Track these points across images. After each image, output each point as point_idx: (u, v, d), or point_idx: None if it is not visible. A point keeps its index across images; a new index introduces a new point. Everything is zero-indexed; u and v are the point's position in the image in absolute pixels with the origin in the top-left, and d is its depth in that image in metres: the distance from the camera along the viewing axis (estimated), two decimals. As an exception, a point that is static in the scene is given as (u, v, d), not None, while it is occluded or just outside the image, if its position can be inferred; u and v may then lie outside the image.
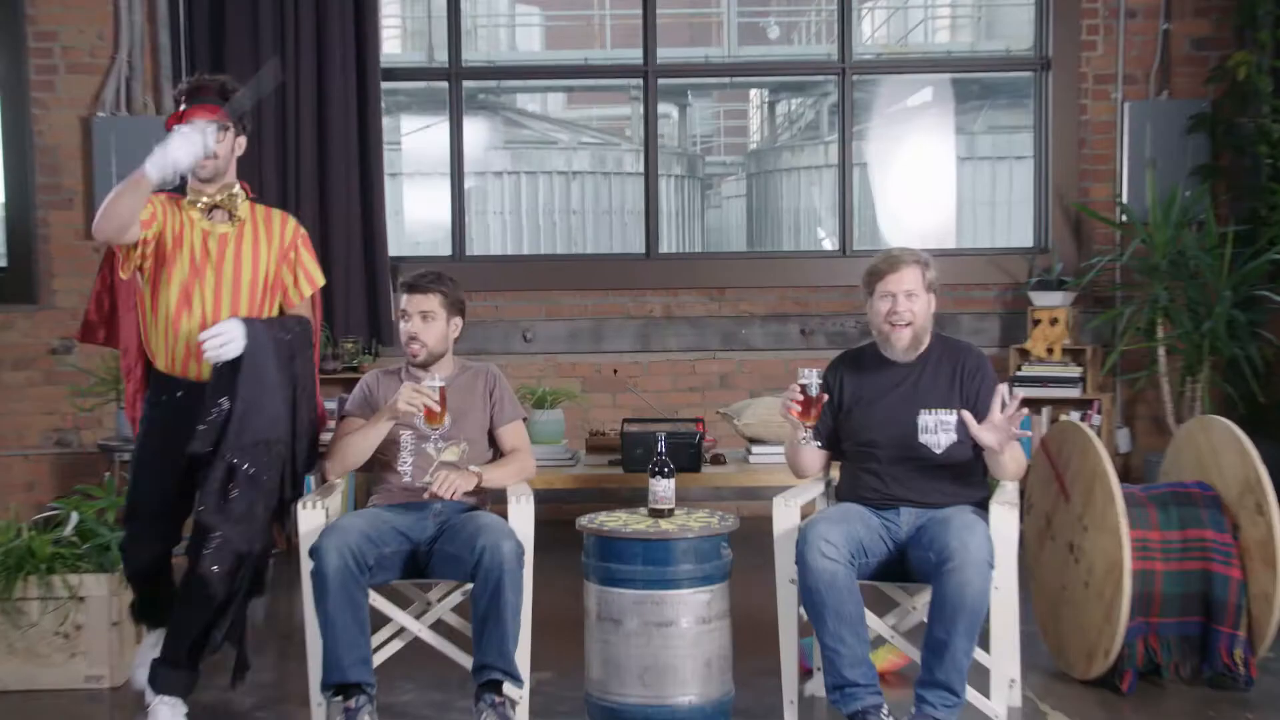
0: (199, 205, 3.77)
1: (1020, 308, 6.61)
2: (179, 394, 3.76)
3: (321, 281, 3.99)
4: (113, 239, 3.66)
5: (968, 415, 3.66)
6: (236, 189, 3.81)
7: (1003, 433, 3.63)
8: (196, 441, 3.63)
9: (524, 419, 4.17)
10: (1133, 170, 6.60)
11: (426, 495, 3.81)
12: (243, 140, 3.83)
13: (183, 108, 3.74)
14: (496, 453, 4.08)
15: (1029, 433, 3.69)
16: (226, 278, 3.76)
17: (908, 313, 3.77)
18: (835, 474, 4.02)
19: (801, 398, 3.68)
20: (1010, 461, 3.71)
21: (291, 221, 3.93)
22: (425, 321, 3.94)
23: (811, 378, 3.69)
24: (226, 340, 3.59)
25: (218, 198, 3.77)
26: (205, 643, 3.75)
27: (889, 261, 3.83)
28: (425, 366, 3.96)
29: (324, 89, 6.45)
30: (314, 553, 3.62)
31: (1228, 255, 6.15)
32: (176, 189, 3.77)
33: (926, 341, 3.85)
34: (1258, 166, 6.37)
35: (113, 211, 3.56)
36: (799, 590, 3.63)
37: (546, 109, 12.21)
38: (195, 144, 3.59)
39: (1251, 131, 6.35)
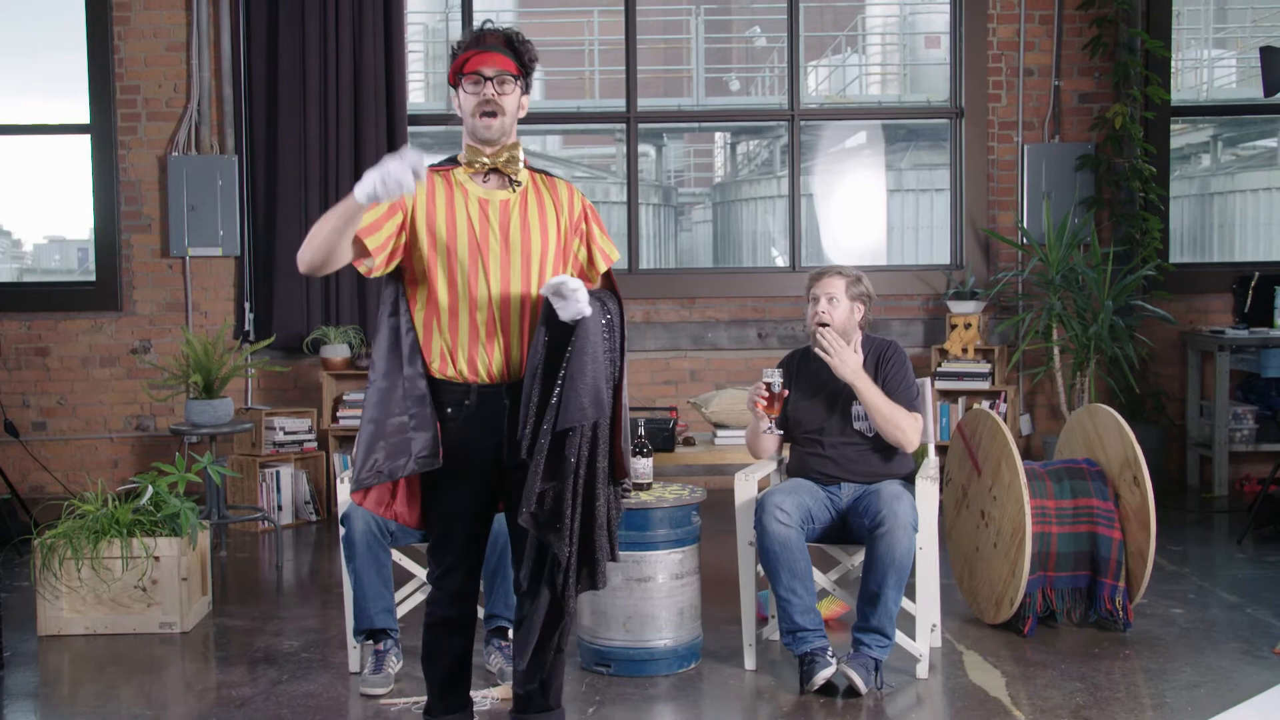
0: (475, 165, 2.74)
1: (940, 314, 6.59)
2: (466, 403, 2.72)
3: (616, 257, 2.91)
4: (316, 269, 2.64)
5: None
6: (519, 151, 2.76)
7: (826, 348, 3.65)
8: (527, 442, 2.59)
9: None
10: (1031, 201, 6.59)
11: None
12: (526, 99, 2.79)
13: (467, 57, 2.71)
14: None
15: (835, 357, 3.66)
16: (515, 247, 2.70)
17: (826, 314, 3.73)
18: (786, 454, 3.99)
19: (767, 394, 3.64)
20: (880, 420, 3.64)
21: (577, 191, 2.86)
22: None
23: (775, 377, 3.63)
24: (577, 287, 2.56)
25: (499, 159, 2.73)
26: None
27: (821, 272, 3.83)
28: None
29: (360, 132, 6.38)
30: (344, 520, 3.58)
31: (1109, 271, 6.18)
32: (449, 160, 2.80)
33: (854, 342, 3.78)
34: (1132, 198, 6.39)
35: (316, 237, 2.59)
36: (757, 550, 3.60)
37: (546, 148, 12.14)
38: (407, 172, 2.43)
39: (1126, 170, 6.37)
